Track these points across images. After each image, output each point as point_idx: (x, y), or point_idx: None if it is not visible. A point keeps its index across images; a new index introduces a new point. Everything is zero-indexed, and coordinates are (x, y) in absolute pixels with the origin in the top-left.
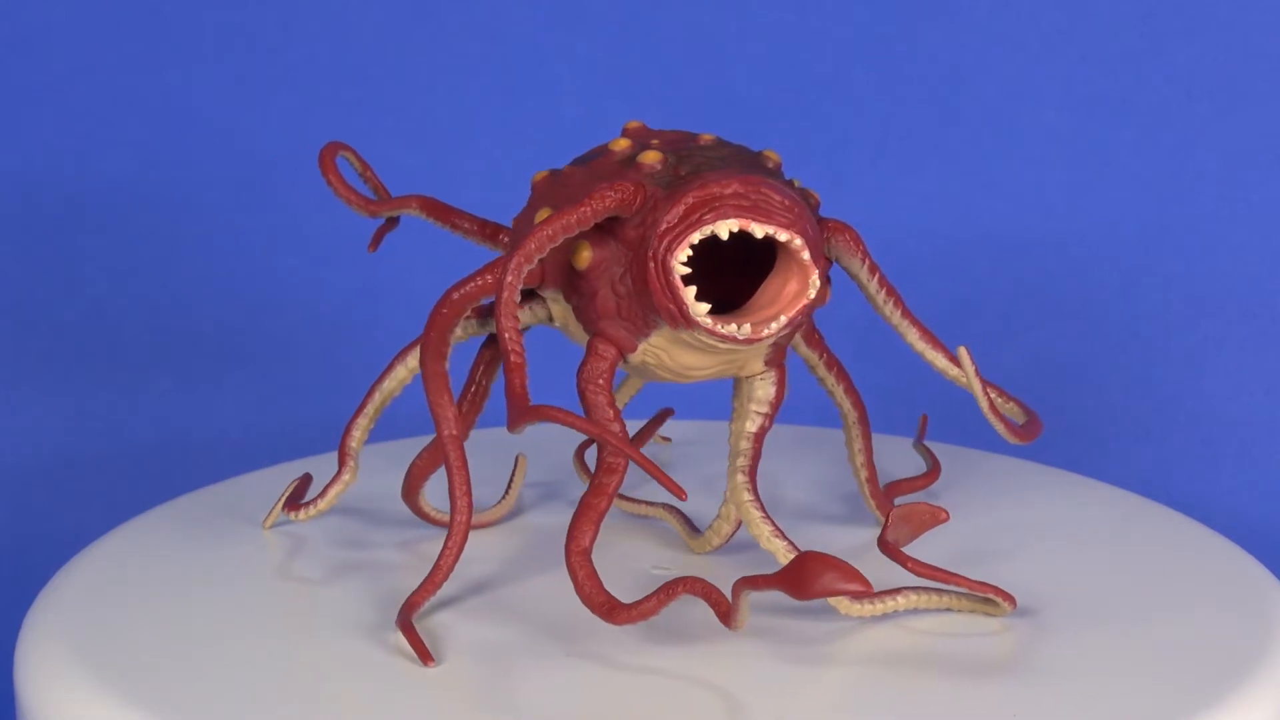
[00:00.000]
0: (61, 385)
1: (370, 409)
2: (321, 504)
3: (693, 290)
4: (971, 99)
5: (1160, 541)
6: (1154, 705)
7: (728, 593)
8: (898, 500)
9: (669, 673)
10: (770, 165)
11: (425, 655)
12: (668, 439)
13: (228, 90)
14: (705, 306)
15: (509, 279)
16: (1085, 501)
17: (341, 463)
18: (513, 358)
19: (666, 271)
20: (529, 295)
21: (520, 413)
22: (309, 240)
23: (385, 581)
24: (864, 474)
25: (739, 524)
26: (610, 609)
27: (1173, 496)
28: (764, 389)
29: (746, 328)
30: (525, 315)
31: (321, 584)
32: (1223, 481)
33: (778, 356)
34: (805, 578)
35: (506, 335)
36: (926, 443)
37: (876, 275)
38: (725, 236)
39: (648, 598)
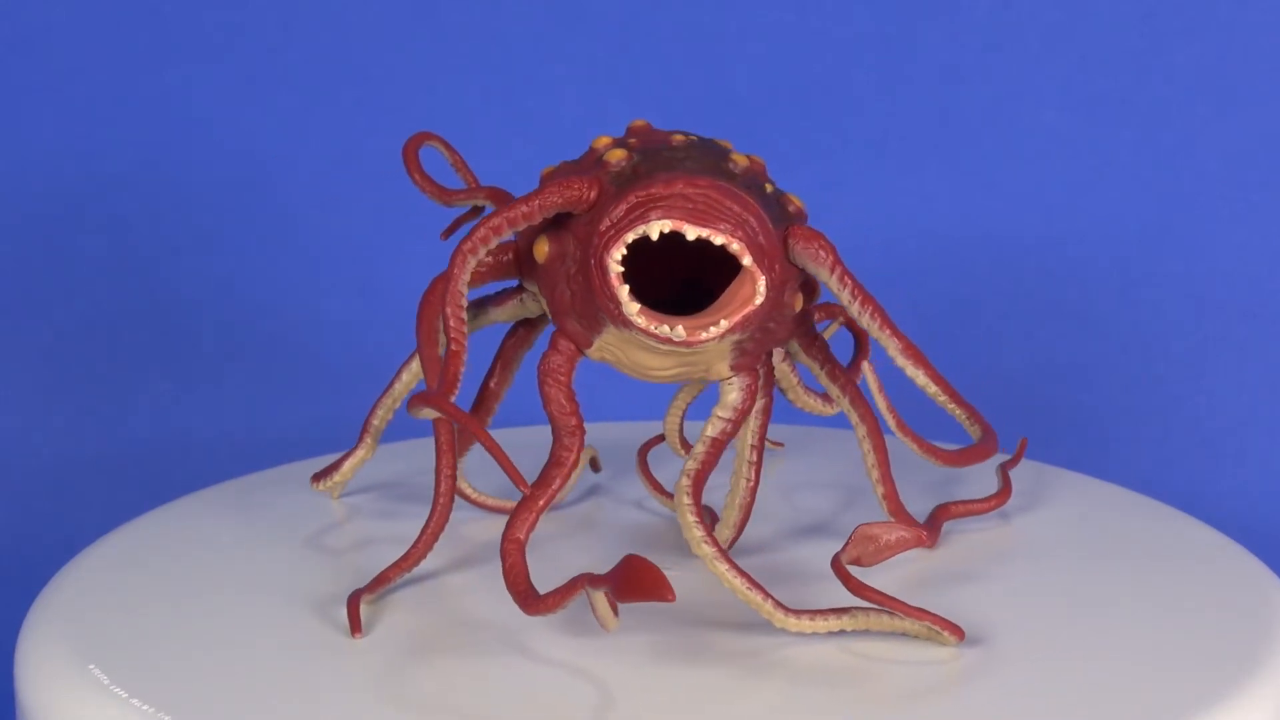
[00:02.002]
0: (61, 385)
1: (397, 389)
2: (337, 476)
3: (626, 289)
4: (971, 99)
5: (1161, 540)
6: (1153, 704)
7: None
8: (946, 525)
9: (583, 672)
10: (736, 169)
11: (355, 627)
12: (779, 444)
13: (228, 90)
14: (637, 306)
15: (454, 270)
16: (1085, 500)
17: (360, 438)
18: (452, 345)
19: (603, 269)
20: (522, 288)
21: (423, 398)
22: (309, 240)
23: (412, 591)
24: (881, 489)
25: (740, 529)
26: (526, 598)
27: (1173, 496)
28: (731, 394)
29: (680, 330)
30: (517, 308)
31: (325, 582)
32: (1223, 481)
33: (747, 362)
34: (622, 580)
35: (451, 324)
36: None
37: (849, 286)
38: (655, 237)
39: (555, 591)
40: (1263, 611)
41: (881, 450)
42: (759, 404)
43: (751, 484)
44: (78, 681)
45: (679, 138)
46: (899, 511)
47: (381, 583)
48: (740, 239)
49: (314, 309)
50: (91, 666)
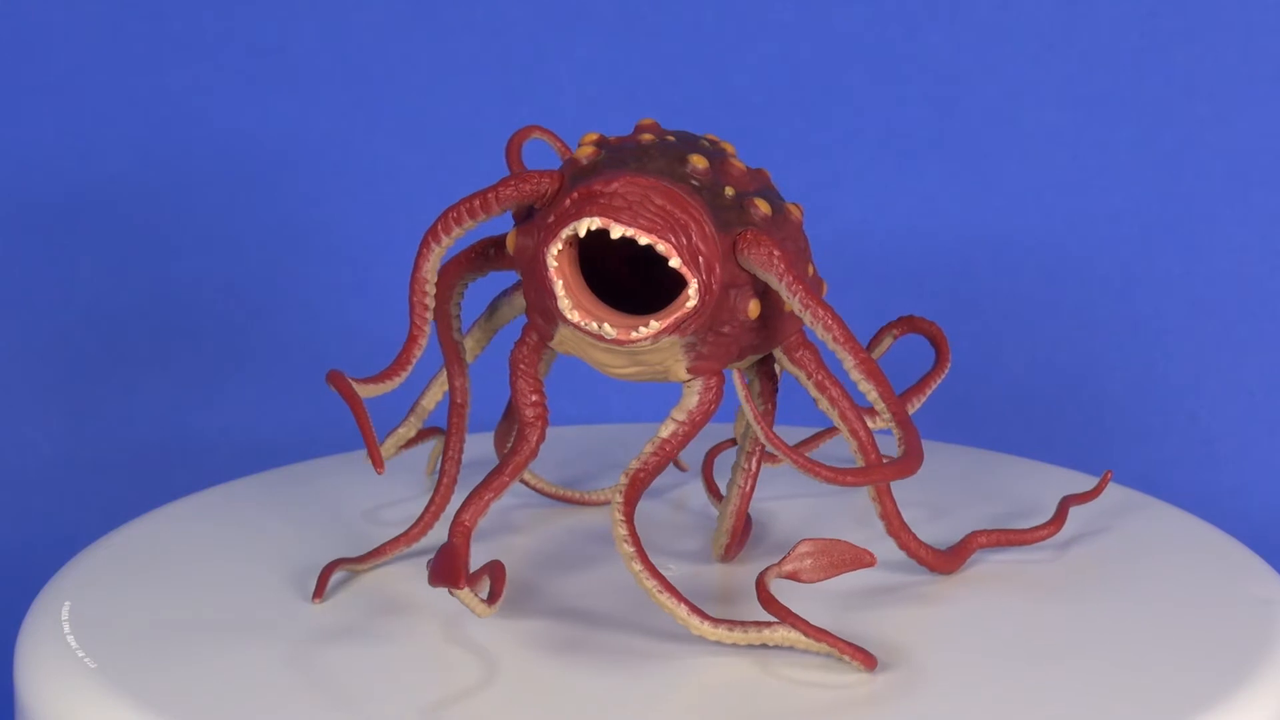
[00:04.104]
0: (61, 385)
1: (446, 374)
2: (380, 452)
3: (561, 283)
4: (971, 99)
5: (1161, 538)
6: (1153, 704)
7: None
8: (976, 553)
9: (498, 666)
10: (693, 171)
11: (317, 593)
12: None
13: (228, 89)
14: (570, 301)
15: (417, 259)
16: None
17: (406, 416)
18: (412, 330)
19: (541, 263)
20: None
21: (331, 376)
22: (309, 240)
23: (393, 570)
24: (879, 508)
25: (735, 532)
26: (457, 580)
27: (1173, 496)
28: (690, 398)
29: (608, 327)
30: (520, 301)
31: (327, 581)
32: (1223, 481)
33: (706, 365)
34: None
35: (414, 310)
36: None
37: (799, 294)
38: (583, 234)
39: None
40: (1263, 611)
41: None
42: (758, 410)
43: (745, 491)
44: (78, 681)
45: (648, 137)
46: (900, 531)
47: (377, 555)
48: (668, 239)
49: (314, 309)
50: (91, 666)
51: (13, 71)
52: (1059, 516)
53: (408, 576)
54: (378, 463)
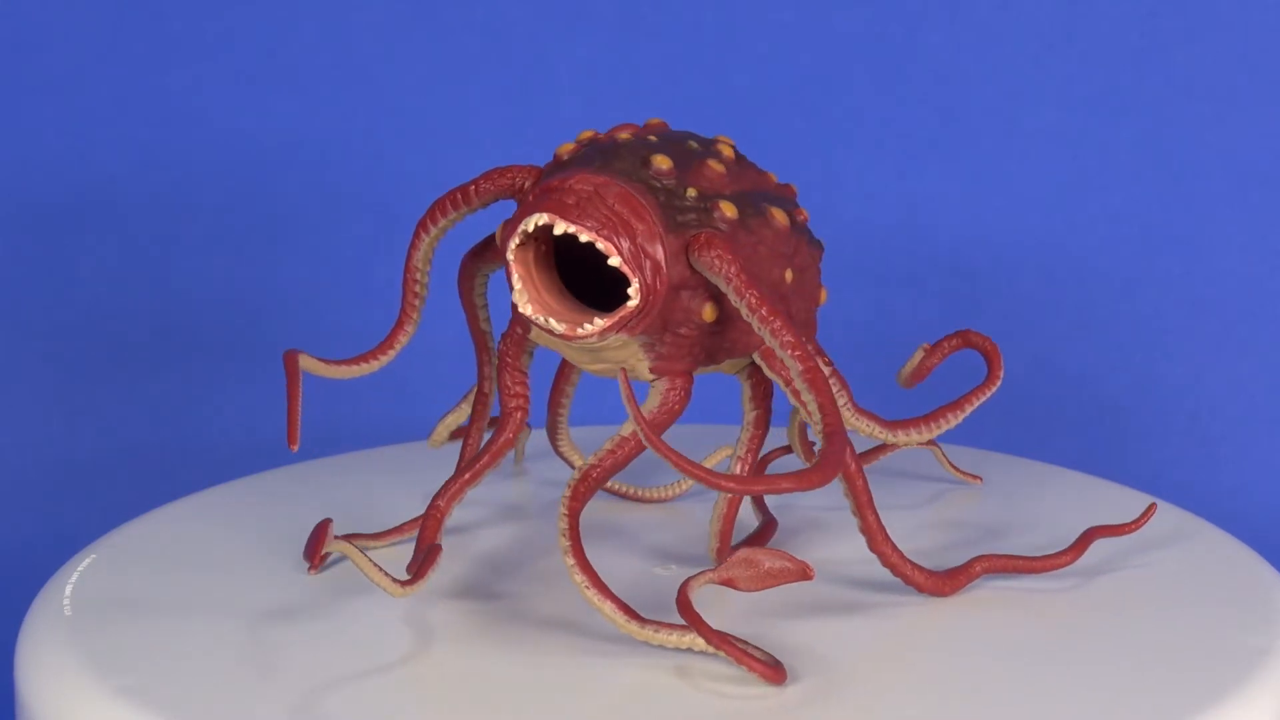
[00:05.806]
0: (61, 385)
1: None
2: (434, 435)
3: (517, 276)
4: (971, 99)
5: (1162, 538)
6: (1153, 704)
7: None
8: (986, 575)
9: (430, 649)
10: (656, 170)
11: (311, 566)
12: (976, 477)
13: (228, 90)
14: (526, 295)
15: (409, 248)
16: (1086, 497)
17: (458, 402)
18: (401, 316)
19: (503, 257)
20: None
21: (286, 355)
22: (308, 240)
23: (396, 552)
24: (860, 522)
25: (725, 539)
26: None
27: (1173, 496)
28: (653, 398)
29: (554, 322)
30: None
31: (325, 581)
32: (1223, 481)
33: (669, 366)
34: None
35: (403, 296)
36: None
37: (746, 299)
38: (531, 230)
39: (414, 561)
40: (1264, 610)
41: (859, 480)
42: (751, 416)
43: (733, 497)
44: (78, 681)
45: (624, 135)
46: (884, 546)
47: (391, 535)
48: (609, 238)
49: (314, 309)
50: (91, 666)
51: (13, 71)
52: (1078, 546)
53: (402, 559)
54: (293, 440)
